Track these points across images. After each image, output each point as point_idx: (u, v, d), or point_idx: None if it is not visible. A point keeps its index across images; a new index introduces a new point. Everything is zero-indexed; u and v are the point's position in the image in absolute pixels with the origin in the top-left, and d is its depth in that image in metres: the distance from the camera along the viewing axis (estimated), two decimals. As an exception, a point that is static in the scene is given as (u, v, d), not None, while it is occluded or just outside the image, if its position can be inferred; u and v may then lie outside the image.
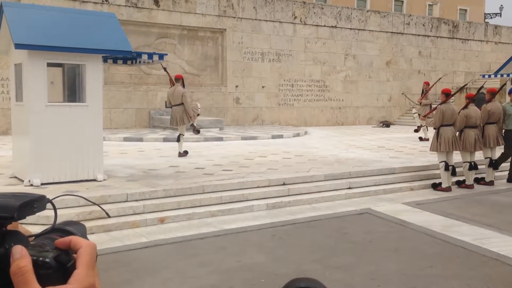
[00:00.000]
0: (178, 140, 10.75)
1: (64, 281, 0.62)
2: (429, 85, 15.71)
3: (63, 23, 7.38)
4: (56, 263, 0.62)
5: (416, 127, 15.37)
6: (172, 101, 10.58)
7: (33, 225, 5.16)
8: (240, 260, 5.09)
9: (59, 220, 0.72)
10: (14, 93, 7.75)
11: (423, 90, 15.76)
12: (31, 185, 7.03)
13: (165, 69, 11.20)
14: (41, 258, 0.62)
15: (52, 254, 0.62)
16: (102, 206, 6.46)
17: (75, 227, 0.72)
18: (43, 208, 0.71)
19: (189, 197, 7.08)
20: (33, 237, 0.69)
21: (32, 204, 0.67)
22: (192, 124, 10.91)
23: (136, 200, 6.78)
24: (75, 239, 0.65)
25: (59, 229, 0.71)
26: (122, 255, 5.23)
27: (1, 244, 0.63)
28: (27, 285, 0.59)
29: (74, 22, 7.55)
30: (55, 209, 0.72)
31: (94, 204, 0.92)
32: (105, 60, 8.31)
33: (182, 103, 10.48)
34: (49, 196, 0.71)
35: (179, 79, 10.81)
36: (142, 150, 11.85)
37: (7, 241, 0.64)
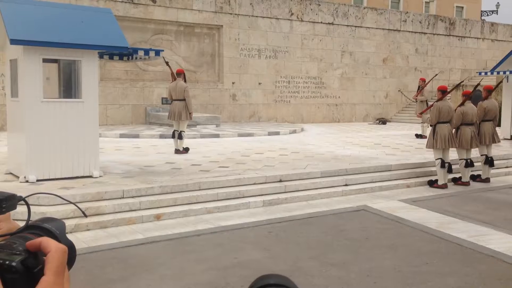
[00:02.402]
0: (173, 136, 10.71)
1: (31, 286, 0.60)
2: (425, 81, 15.71)
3: (58, 18, 7.34)
4: (23, 267, 0.60)
5: (419, 134, 14.97)
6: (174, 95, 10.56)
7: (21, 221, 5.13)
8: (236, 257, 5.08)
9: (32, 218, 0.69)
10: (9, 89, 7.71)
11: (419, 86, 15.77)
12: (27, 181, 7.00)
13: (167, 63, 11.18)
14: (7, 262, 0.59)
15: (19, 258, 0.60)
16: (98, 202, 6.44)
17: (52, 224, 0.70)
18: (13, 207, 0.68)
19: (186, 194, 7.07)
20: (8, 236, 0.66)
21: (1, 204, 0.65)
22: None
23: (132, 197, 6.76)
24: (44, 242, 0.62)
25: (36, 226, 0.68)
26: (118, 252, 5.21)
27: None
28: None
29: (70, 17, 7.51)
30: (28, 206, 0.70)
31: (70, 202, 0.89)
32: (101, 56, 8.27)
33: (184, 99, 10.47)
34: (23, 194, 0.69)
35: (180, 74, 10.79)
36: (138, 146, 11.82)
37: None
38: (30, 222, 0.69)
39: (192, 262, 4.92)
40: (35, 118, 7.04)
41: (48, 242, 0.62)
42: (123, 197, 6.72)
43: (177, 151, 10.55)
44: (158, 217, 6.47)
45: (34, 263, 0.61)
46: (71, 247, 0.69)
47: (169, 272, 4.65)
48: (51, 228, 0.69)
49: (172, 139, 10.93)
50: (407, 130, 17.64)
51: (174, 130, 10.71)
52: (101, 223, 6.09)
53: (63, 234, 0.70)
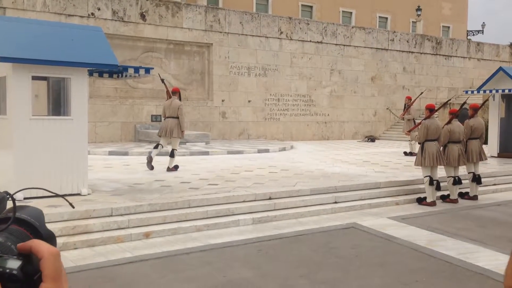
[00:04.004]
0: (155, 147, 10.66)
1: None
2: (411, 99, 15.87)
3: (48, 36, 7.35)
4: (24, 275, 0.59)
5: (407, 151, 15.11)
6: (168, 112, 10.57)
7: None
8: (226, 275, 5.05)
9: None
10: (-3, 106, 7.66)
11: (405, 105, 15.90)
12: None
13: (162, 80, 11.21)
14: (7, 270, 0.58)
15: (19, 264, 0.59)
16: (87, 220, 6.38)
17: (30, 214, 0.68)
18: (3, 208, 0.67)
19: (175, 212, 7.03)
20: None
21: None
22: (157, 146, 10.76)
23: (121, 215, 6.71)
24: (35, 246, 0.61)
25: (18, 220, 0.66)
26: (106, 271, 5.15)
27: None
28: None
29: (60, 35, 7.52)
30: (14, 203, 0.67)
31: (58, 195, 0.86)
32: (90, 73, 8.27)
33: (178, 117, 10.48)
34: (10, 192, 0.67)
35: (176, 92, 10.84)
36: (127, 164, 11.76)
37: None
38: (5, 211, 0.67)
39: (181, 280, 4.87)
40: (24, 136, 7.00)
41: (39, 247, 0.62)
42: (111, 215, 6.66)
43: (168, 169, 10.49)
44: (147, 235, 6.41)
45: (33, 269, 0.60)
46: (51, 237, 0.67)
47: (158, 291, 4.59)
48: (30, 220, 0.67)
49: (153, 150, 10.74)
50: (396, 148, 17.76)
51: (159, 144, 10.66)
52: (89, 241, 6.02)
53: (42, 224, 0.68)
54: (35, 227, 0.67)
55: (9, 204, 0.69)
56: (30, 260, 0.61)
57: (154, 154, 10.56)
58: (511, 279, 0.84)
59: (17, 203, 0.67)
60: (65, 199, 0.87)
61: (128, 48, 17.61)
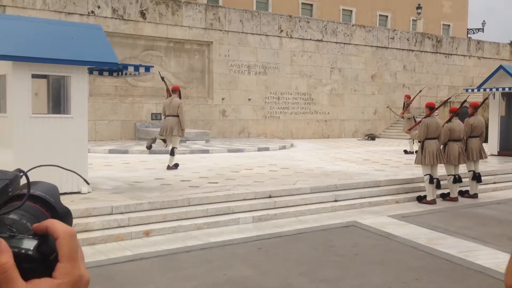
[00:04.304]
0: (171, 154, 10.60)
1: (46, 273, 0.58)
2: (410, 98, 15.85)
3: (48, 34, 7.34)
4: (39, 255, 0.58)
5: (407, 150, 15.10)
6: (168, 111, 10.54)
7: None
8: (226, 273, 5.05)
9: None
10: (-3, 105, 7.65)
11: (404, 103, 15.88)
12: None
13: (162, 78, 11.19)
14: (23, 251, 0.57)
15: (34, 244, 0.58)
16: (87, 219, 6.38)
17: (44, 190, 0.66)
18: (18, 188, 0.65)
19: (175, 210, 7.03)
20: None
21: (6, 189, 0.61)
22: (155, 138, 10.77)
23: (121, 213, 6.71)
24: (51, 226, 0.60)
25: (33, 196, 0.65)
26: (106, 269, 5.15)
27: None
28: (10, 283, 0.55)
29: (60, 33, 7.51)
30: (28, 180, 0.65)
31: (73, 172, 0.85)
32: (90, 71, 8.27)
33: (178, 115, 10.46)
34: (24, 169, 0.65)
35: (176, 90, 10.80)
36: (127, 162, 11.76)
37: None
38: (19, 189, 0.66)
39: (181, 279, 4.87)
40: (24, 134, 6.99)
41: (54, 227, 0.60)
42: (111, 213, 6.67)
43: (169, 168, 10.48)
44: (147, 234, 6.41)
45: (49, 250, 0.59)
46: (67, 214, 0.66)
47: (158, 289, 4.60)
48: (45, 196, 0.66)
49: (166, 155, 10.76)
50: (396, 146, 17.76)
51: (173, 148, 10.60)
52: (89, 239, 6.02)
53: (57, 200, 0.67)
54: (50, 204, 0.66)
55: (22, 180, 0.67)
56: (46, 239, 0.59)
57: (172, 160, 10.60)
58: (512, 277, 0.84)
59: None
60: (79, 175, 0.87)
61: (128, 46, 17.60)
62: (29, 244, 0.58)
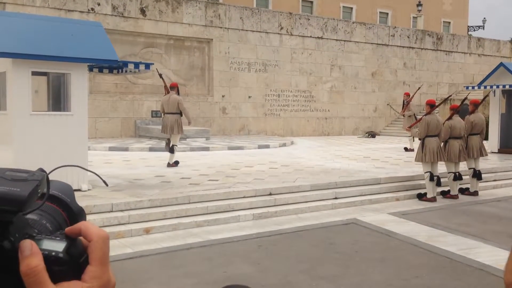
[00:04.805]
0: (171, 151, 10.58)
1: (75, 276, 0.57)
2: (409, 96, 15.83)
3: (48, 31, 7.33)
4: (69, 258, 0.57)
5: (408, 147, 15.06)
6: (167, 108, 10.52)
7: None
8: (226, 271, 5.05)
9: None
10: (-3, 102, 7.65)
11: (403, 101, 15.85)
12: (14, 195, 6.91)
13: (160, 75, 11.18)
14: (53, 254, 0.56)
15: (63, 246, 0.57)
16: (87, 216, 6.37)
17: (59, 189, 0.66)
18: (44, 187, 0.63)
19: (175, 207, 7.03)
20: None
21: (37, 190, 0.59)
22: (168, 139, 10.78)
23: (121, 210, 6.71)
24: (84, 228, 0.59)
25: (51, 196, 0.64)
26: (107, 266, 5.14)
27: (5, 236, 0.55)
28: (40, 286, 0.54)
29: (60, 30, 7.49)
30: (48, 182, 0.63)
31: (93, 172, 0.85)
32: (90, 69, 8.25)
33: (177, 112, 10.45)
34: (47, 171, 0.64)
35: (174, 87, 10.78)
36: (127, 159, 11.76)
37: (11, 232, 0.56)
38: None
39: (181, 276, 4.88)
40: (24, 131, 6.99)
41: (88, 229, 0.60)
42: (112, 211, 6.67)
43: (170, 165, 10.48)
44: (147, 231, 6.42)
45: (78, 252, 0.58)
46: (81, 213, 0.66)
47: (158, 287, 4.60)
48: (61, 196, 0.65)
49: (164, 153, 10.85)
50: (396, 144, 17.75)
51: (173, 145, 10.60)
52: (89, 237, 6.01)
53: (72, 199, 0.66)
54: (66, 203, 0.65)
55: None
56: (74, 241, 0.58)
57: (173, 157, 10.61)
58: (511, 274, 0.83)
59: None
60: (99, 176, 0.86)
61: (128, 43, 17.58)
62: (59, 246, 0.57)
